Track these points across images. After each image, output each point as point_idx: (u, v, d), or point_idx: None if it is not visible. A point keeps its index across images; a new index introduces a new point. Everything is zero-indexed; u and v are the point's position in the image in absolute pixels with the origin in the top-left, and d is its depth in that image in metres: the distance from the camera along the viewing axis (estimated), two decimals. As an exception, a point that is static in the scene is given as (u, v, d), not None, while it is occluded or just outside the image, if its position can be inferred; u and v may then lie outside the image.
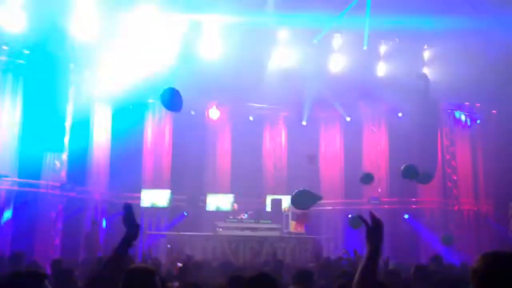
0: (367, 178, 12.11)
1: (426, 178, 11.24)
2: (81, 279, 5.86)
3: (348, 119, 17.29)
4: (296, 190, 5.85)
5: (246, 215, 14.39)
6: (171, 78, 13.08)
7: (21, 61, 12.78)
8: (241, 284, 3.84)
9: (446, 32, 13.16)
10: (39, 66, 12.06)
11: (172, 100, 7.23)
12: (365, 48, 14.39)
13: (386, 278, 5.17)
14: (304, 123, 17.27)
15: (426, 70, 15.38)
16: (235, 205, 15.19)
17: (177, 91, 7.33)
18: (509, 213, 14.66)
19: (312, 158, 14.15)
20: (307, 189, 6.18)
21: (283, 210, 15.04)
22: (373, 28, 13.56)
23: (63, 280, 4.94)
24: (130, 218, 2.95)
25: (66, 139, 12.98)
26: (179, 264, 9.57)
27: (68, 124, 13.03)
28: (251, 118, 17.22)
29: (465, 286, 4.58)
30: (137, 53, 13.29)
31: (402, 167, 9.83)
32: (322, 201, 17.12)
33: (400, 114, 16.48)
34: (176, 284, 5.33)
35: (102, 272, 2.88)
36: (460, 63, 13.52)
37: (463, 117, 17.19)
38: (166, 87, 7.42)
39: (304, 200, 5.93)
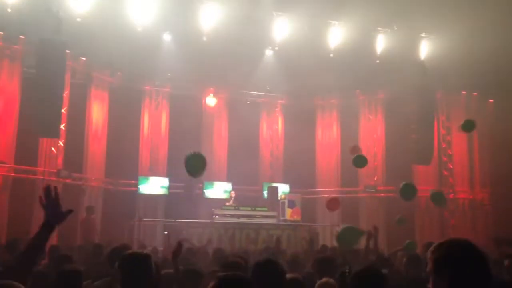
0: (360, 161, 12.01)
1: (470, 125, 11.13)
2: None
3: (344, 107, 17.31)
4: (342, 227, 5.99)
5: None
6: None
7: (17, 47, 12.72)
8: (236, 270, 3.87)
9: (444, 19, 13.10)
10: (35, 51, 11.99)
11: (196, 165, 7.10)
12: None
13: (379, 265, 5.20)
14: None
15: (423, 58, 15.34)
16: (232, 193, 15.24)
17: (203, 158, 7.20)
18: None
19: (356, 149, 13.91)
20: (351, 226, 6.25)
21: (279, 198, 15.10)
22: (371, 15, 13.50)
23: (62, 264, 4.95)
24: (52, 203, 2.59)
25: (63, 125, 12.96)
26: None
27: (64, 110, 13.00)
28: (248, 102, 17.23)
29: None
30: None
31: (401, 187, 9.75)
32: (319, 189, 17.31)
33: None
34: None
35: (16, 262, 2.56)
36: (458, 52, 13.48)
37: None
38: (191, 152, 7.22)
39: (349, 237, 6.02)
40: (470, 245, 2.05)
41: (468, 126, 11.11)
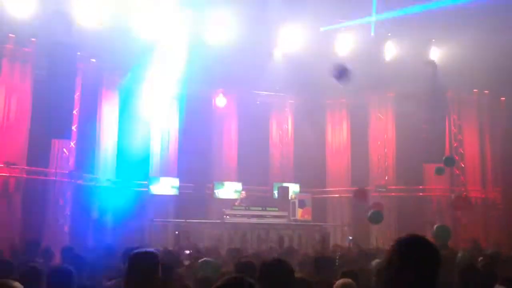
0: (449, 161, 12.25)
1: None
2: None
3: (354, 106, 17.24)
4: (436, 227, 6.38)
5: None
6: None
7: (28, 49, 12.82)
8: (249, 269, 3.88)
9: (455, 18, 13.01)
10: (46, 54, 12.08)
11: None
12: (372, 34, 14.29)
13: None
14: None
15: (434, 57, 15.25)
16: (243, 193, 15.24)
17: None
18: None
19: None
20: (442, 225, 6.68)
21: (290, 198, 15.07)
22: (381, 13, 13.45)
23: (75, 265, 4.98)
24: None
25: (74, 127, 13.04)
26: (187, 252, 9.64)
27: (75, 111, 13.09)
28: (258, 102, 17.23)
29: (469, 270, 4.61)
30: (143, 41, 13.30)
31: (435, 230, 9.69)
32: (329, 189, 17.26)
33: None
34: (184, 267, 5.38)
35: None
36: (469, 50, 13.38)
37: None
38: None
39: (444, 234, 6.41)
40: (428, 240, 2.11)
41: None
